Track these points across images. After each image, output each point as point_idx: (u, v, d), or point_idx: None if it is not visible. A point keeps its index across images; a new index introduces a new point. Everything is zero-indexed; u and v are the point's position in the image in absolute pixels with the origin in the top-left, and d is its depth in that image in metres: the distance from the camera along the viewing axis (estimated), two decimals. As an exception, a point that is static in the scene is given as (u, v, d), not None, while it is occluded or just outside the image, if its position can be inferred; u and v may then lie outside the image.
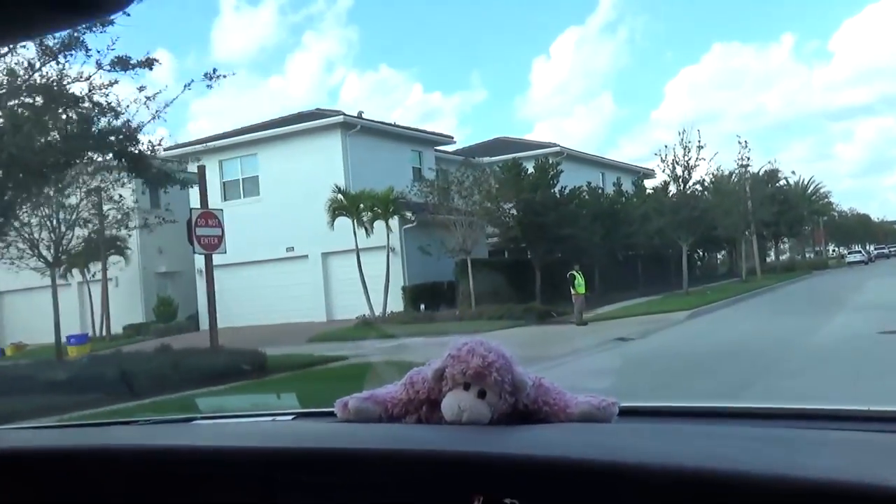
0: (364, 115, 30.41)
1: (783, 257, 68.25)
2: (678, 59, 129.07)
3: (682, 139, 32.49)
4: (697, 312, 22.60)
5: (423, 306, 25.28)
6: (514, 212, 27.95)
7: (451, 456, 1.31)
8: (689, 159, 32.60)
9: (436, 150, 33.19)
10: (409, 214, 26.92)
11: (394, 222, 26.21)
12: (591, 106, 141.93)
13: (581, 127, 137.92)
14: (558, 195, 28.70)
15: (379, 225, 25.37)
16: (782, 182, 55.58)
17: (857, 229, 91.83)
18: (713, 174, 40.17)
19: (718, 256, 58.21)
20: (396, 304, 26.18)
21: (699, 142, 32.60)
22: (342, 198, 25.46)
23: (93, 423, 2.06)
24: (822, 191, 70.42)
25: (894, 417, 1.50)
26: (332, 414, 1.58)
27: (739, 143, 58.64)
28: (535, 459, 1.26)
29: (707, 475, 1.12)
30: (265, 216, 28.08)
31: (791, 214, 52.54)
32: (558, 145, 38.66)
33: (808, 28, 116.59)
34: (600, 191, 35.08)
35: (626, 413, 1.48)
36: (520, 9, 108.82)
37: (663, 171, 33.48)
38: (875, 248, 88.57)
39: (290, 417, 1.76)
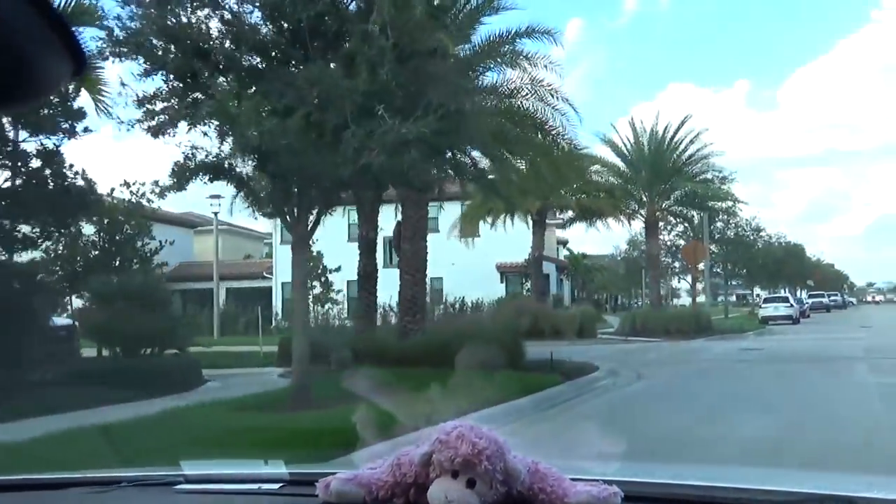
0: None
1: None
2: (632, 96, 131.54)
3: None
4: None
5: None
6: None
7: None
8: None
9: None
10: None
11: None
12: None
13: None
14: None
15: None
16: None
17: (787, 263, 60.07)
18: None
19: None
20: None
21: None
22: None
23: (68, 479, 1.86)
24: (718, 166, 35.12)
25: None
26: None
27: None
28: None
29: None
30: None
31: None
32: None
33: (761, 76, 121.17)
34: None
35: (632, 498, 1.40)
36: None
37: None
38: (810, 296, 62.47)
39: (276, 486, 1.68)
